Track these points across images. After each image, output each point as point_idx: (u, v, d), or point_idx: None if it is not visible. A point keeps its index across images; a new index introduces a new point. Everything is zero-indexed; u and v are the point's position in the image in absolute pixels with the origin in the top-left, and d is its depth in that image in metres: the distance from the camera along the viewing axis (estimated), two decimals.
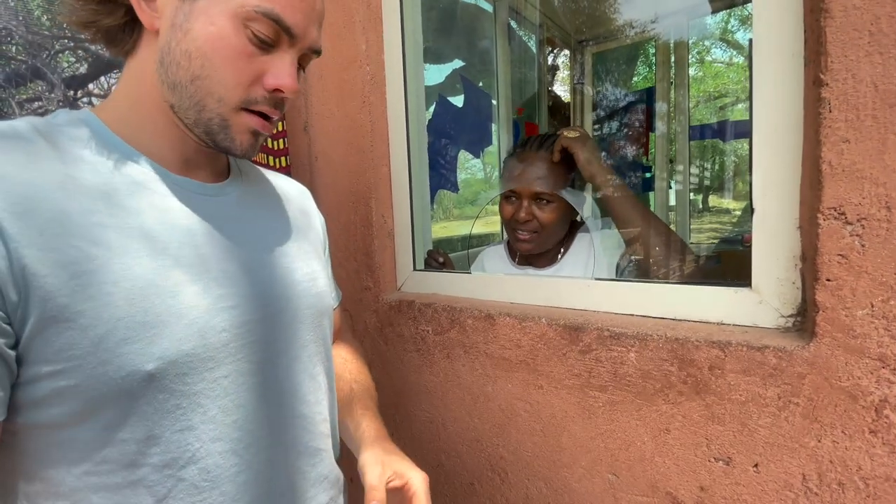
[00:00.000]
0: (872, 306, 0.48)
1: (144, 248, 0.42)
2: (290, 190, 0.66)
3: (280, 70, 0.46)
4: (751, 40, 0.59)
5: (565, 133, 0.97)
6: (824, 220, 0.50)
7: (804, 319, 0.56)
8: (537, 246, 1.04)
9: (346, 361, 0.70)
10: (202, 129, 0.46)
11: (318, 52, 0.50)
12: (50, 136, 0.42)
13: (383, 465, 0.54)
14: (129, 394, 0.39)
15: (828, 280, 0.50)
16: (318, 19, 0.49)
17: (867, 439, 0.49)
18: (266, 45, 0.45)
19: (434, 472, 0.95)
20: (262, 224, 0.55)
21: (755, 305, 0.61)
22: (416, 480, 0.53)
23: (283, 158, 1.05)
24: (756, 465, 0.57)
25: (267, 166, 1.02)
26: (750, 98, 0.59)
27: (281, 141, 1.04)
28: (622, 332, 0.67)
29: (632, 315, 0.72)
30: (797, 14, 0.53)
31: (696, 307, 0.66)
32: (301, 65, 0.50)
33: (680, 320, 0.67)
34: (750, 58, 0.59)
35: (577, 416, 0.72)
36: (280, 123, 1.04)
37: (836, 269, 0.49)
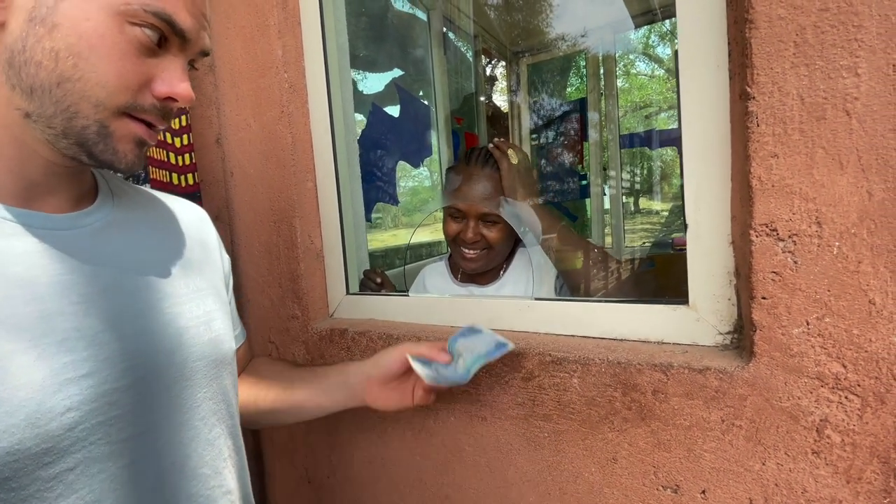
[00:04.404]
0: (808, 324, 0.46)
1: None
2: (185, 215, 0.56)
3: (172, 76, 0.40)
4: (676, 52, 0.57)
5: (510, 155, 0.95)
6: (756, 236, 0.48)
7: (741, 337, 0.55)
8: (485, 264, 1.00)
9: (258, 367, 0.69)
10: (73, 140, 0.38)
11: (206, 54, 0.44)
12: None
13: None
14: None
15: (763, 298, 0.49)
16: (206, 21, 0.43)
17: (810, 460, 0.48)
18: (155, 48, 0.39)
19: None
20: (138, 260, 0.45)
21: (693, 323, 0.59)
22: None
23: (190, 176, 0.93)
24: (703, 492, 0.55)
25: (170, 185, 0.90)
26: (678, 112, 0.58)
27: (187, 156, 0.92)
28: (564, 356, 0.63)
29: (573, 336, 0.69)
30: (720, 26, 0.52)
31: (635, 326, 0.64)
32: (191, 65, 0.44)
33: (620, 340, 0.65)
34: (676, 71, 0.57)
35: (523, 448, 0.68)
36: (186, 136, 0.92)
37: (771, 286, 0.48)
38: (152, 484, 0.40)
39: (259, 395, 0.64)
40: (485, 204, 0.95)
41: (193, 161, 0.93)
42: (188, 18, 0.39)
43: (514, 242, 1.04)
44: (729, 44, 0.52)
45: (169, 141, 0.91)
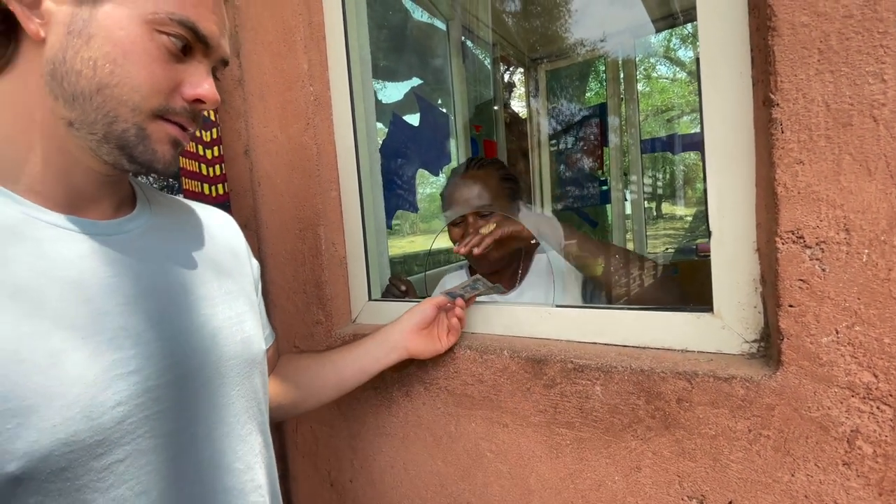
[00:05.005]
0: (837, 332, 0.46)
1: (8, 311, 0.34)
2: (215, 223, 0.59)
3: (198, 80, 0.43)
4: (697, 59, 0.57)
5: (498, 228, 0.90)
6: (783, 244, 0.48)
7: (768, 345, 0.54)
8: (498, 259, 1.01)
9: (287, 362, 0.71)
10: (114, 144, 0.41)
11: (226, 63, 0.47)
12: None
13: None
14: None
15: (790, 306, 0.48)
16: (226, 30, 0.46)
17: (841, 472, 0.47)
18: (181, 55, 0.42)
19: None
20: (175, 264, 0.48)
21: (718, 331, 0.59)
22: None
23: (220, 186, 0.96)
24: (730, 503, 0.54)
25: (202, 195, 0.93)
26: (700, 119, 0.58)
27: (217, 167, 0.96)
28: (586, 363, 0.63)
29: (594, 343, 0.68)
30: (743, 33, 0.52)
31: (659, 333, 0.63)
32: (214, 76, 0.47)
33: (643, 348, 0.64)
34: (699, 79, 0.57)
35: (545, 455, 0.68)
36: (216, 148, 0.96)
37: (798, 294, 0.47)
38: (192, 477, 0.43)
39: (293, 383, 0.68)
40: (476, 201, 0.99)
41: (223, 172, 0.97)
42: (210, 26, 0.43)
43: (526, 246, 1.06)
44: (752, 51, 0.52)
45: (200, 153, 0.95)
